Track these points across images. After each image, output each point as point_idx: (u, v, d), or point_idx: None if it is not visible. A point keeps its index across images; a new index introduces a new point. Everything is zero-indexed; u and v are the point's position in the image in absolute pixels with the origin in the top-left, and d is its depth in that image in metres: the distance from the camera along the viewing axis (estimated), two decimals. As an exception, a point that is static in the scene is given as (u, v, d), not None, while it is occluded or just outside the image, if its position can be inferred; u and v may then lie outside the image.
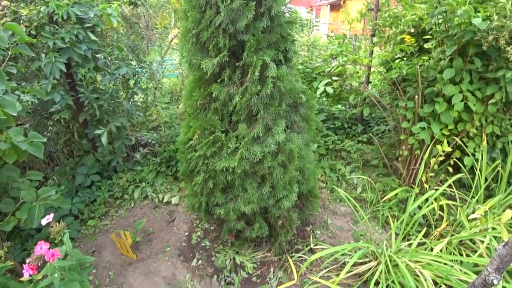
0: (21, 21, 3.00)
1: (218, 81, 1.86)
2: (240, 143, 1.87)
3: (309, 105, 2.14)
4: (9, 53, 2.33)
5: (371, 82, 4.89)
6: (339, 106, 5.03)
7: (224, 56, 1.74)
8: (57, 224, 1.56)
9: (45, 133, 3.90)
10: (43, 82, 2.98)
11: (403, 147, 3.40)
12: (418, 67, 3.00)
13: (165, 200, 3.47)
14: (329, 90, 2.93)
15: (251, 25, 1.75)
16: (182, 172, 2.26)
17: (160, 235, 3.07)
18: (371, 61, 4.35)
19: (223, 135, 1.90)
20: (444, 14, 2.73)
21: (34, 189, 2.51)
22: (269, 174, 1.99)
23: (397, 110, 3.71)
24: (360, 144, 4.53)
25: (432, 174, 3.28)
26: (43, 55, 2.91)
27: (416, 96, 3.11)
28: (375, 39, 3.92)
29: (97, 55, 3.27)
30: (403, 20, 3.53)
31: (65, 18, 2.87)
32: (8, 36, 2.37)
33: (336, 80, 3.01)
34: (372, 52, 4.47)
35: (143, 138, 3.92)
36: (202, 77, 1.93)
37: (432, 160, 3.17)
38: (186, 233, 3.05)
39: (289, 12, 1.89)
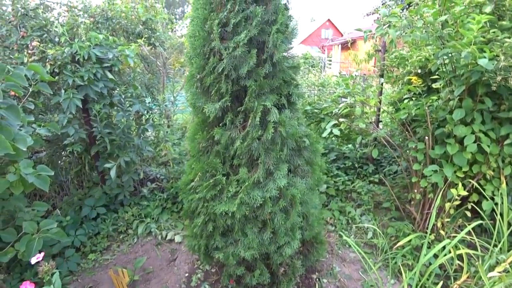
0: (47, 60, 3.20)
1: (221, 125, 1.86)
2: (241, 187, 1.82)
3: (313, 149, 2.10)
4: (30, 89, 2.45)
5: (381, 121, 4.84)
6: (350, 145, 4.96)
7: (226, 101, 1.76)
8: (46, 264, 1.51)
9: (59, 162, 4.00)
10: (60, 115, 3.09)
11: (415, 190, 3.25)
12: (426, 108, 2.94)
13: (168, 238, 3.38)
14: (336, 132, 2.89)
15: (253, 71, 1.78)
16: (184, 212, 2.20)
17: (159, 274, 2.95)
18: (380, 102, 4.34)
19: (224, 178, 1.87)
20: (450, 55, 2.72)
21: (38, 220, 2.51)
22: (270, 219, 1.91)
23: (408, 151, 3.60)
24: (371, 185, 4.38)
25: (448, 220, 3.08)
26: (62, 91, 3.05)
27: (426, 137, 3.02)
28: (383, 79, 3.93)
29: (113, 92, 3.40)
30: (409, 61, 3.55)
31: (86, 58, 3.04)
32: (31, 75, 2.49)
33: (343, 122, 2.97)
34: (381, 92, 4.47)
35: (151, 172, 3.93)
36: (205, 120, 1.94)
37: (447, 205, 3.00)
38: (187, 274, 2.92)
39: (292, 58, 1.91)
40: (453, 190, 2.78)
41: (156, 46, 4.07)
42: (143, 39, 3.73)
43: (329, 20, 40.85)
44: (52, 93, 2.74)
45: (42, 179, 2.05)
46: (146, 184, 3.88)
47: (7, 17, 3.58)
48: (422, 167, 3.10)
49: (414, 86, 2.93)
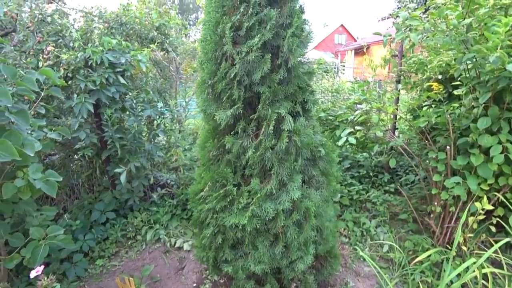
0: (61, 64, 3.21)
1: (232, 133, 1.78)
2: (252, 199, 1.72)
3: (329, 159, 1.98)
4: (42, 94, 2.43)
5: (397, 129, 4.66)
6: (364, 153, 4.79)
7: (238, 108, 1.67)
8: (46, 278, 1.45)
9: (71, 165, 4.01)
10: (72, 120, 3.08)
11: (435, 203, 3.07)
12: (448, 116, 2.78)
13: (177, 245, 3.30)
14: (352, 140, 2.76)
15: (267, 77, 1.69)
16: (193, 222, 2.12)
17: (167, 283, 2.87)
18: (397, 109, 4.18)
19: (235, 189, 1.77)
20: (474, 60, 2.55)
21: (48, 224, 2.48)
22: (282, 233, 1.80)
23: (427, 161, 3.43)
24: (387, 195, 4.20)
25: (471, 235, 2.90)
26: (75, 95, 3.04)
27: (448, 147, 2.85)
28: (400, 86, 3.77)
29: (125, 97, 3.38)
30: (429, 67, 3.39)
31: (98, 62, 3.02)
32: (43, 79, 2.48)
33: (359, 130, 2.84)
34: (397, 99, 4.31)
35: (162, 178, 3.88)
36: (216, 128, 1.86)
37: (471, 219, 2.81)
38: (194, 285, 2.83)
39: (307, 63, 1.81)
40: (477, 204, 2.61)
41: (169, 51, 4.05)
42: (155, 44, 3.71)
43: (342, 25, 40.61)
44: (64, 97, 2.72)
45: (50, 185, 2.00)
46: (156, 190, 3.82)
47: (25, 23, 3.62)
48: (443, 178, 2.92)
49: (435, 93, 2.78)
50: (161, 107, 3.96)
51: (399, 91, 4.27)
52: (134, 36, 4.41)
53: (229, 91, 1.67)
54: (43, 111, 2.28)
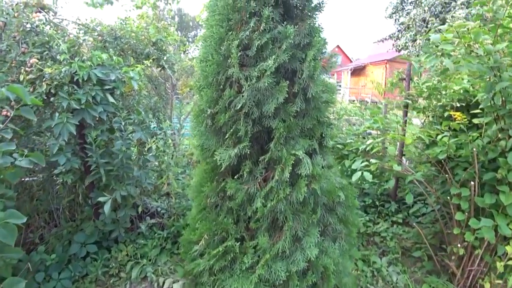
0: (44, 79, 2.86)
1: (236, 177, 1.43)
2: (259, 257, 1.36)
3: (349, 204, 1.64)
4: (11, 114, 2.07)
5: (404, 155, 4.36)
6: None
7: (245, 148, 1.34)
8: None
9: (51, 188, 3.59)
10: (51, 142, 2.70)
11: (458, 244, 2.71)
12: (474, 149, 2.47)
13: (165, 286, 2.87)
14: (368, 176, 2.44)
15: (281, 108, 1.36)
16: (185, 273, 1.72)
17: (151, 336, 2.43)
18: (404, 135, 3.90)
19: (238, 244, 1.41)
20: (503, 89, 2.27)
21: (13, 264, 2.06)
22: (295, 299, 1.42)
23: (443, 194, 3.10)
24: (395, 227, 3.84)
25: (500, 281, 2.54)
26: (56, 114, 2.69)
27: (472, 182, 2.53)
28: (414, 112, 3.49)
29: (115, 117, 3.03)
30: (444, 93, 3.13)
31: (85, 79, 2.69)
32: (14, 98, 2.11)
33: (374, 162, 2.52)
34: (405, 122, 4.03)
35: (151, 205, 3.48)
36: (215, 168, 1.51)
37: (499, 264, 2.47)
38: (183, 339, 2.39)
39: (329, 91, 1.49)
40: (508, 248, 2.27)
41: (166, 68, 3.74)
42: (150, 60, 3.40)
43: (338, 46, 41.26)
44: (36, 119, 2.36)
45: (9, 230, 1.61)
46: (145, 219, 3.41)
47: (11, 32, 3.29)
48: (466, 217, 2.59)
49: (458, 123, 2.48)
50: (154, 127, 3.61)
51: (406, 115, 4.01)
52: (130, 51, 4.10)
53: (234, 126, 1.34)
54: (9, 135, 1.91)
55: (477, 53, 1.81)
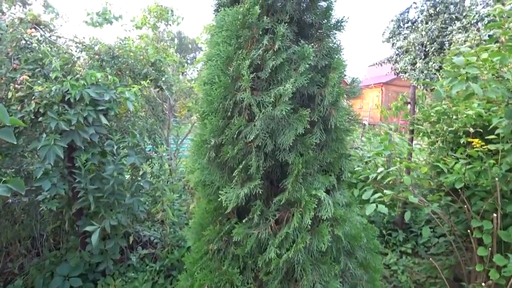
0: (33, 97, 2.65)
1: (244, 220, 1.19)
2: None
3: (370, 246, 1.39)
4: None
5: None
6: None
7: (256, 187, 1.11)
8: None
9: (35, 213, 3.28)
10: (36, 165, 2.45)
11: (482, 282, 2.44)
12: (497, 179, 2.26)
13: (155, 329, 2.53)
14: (383, 209, 2.20)
15: (298, 139, 1.15)
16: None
17: None
18: (409, 159, 3.71)
19: (245, 301, 1.15)
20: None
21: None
22: None
23: (459, 225, 2.87)
24: (404, 258, 3.57)
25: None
26: (44, 135, 2.46)
27: (495, 214, 2.31)
28: (418, 138, 3.31)
29: (108, 139, 2.80)
30: (455, 117, 2.96)
31: (77, 98, 2.48)
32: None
33: (388, 194, 2.29)
34: (410, 145, 3.86)
35: (144, 234, 3.18)
36: (219, 208, 1.28)
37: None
38: None
39: (352, 119, 1.29)
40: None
41: (164, 89, 3.56)
42: (147, 81, 3.22)
43: (332, 69, 41.91)
44: (15, 142, 2.12)
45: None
46: (136, 249, 3.11)
47: (4, 48, 3.11)
48: (489, 252, 2.34)
49: (477, 150, 2.29)
50: (149, 150, 3.37)
51: (412, 141, 3.84)
52: (127, 71, 3.93)
53: (244, 160, 1.12)
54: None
55: (503, 77, 1.64)
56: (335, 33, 1.30)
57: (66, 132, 2.44)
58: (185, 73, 7.91)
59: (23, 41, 3.06)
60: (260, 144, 1.13)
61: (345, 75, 1.25)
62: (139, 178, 2.79)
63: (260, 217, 1.17)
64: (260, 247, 1.16)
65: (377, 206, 2.19)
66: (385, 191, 2.30)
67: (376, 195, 2.28)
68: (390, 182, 2.78)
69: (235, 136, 1.16)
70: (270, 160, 1.18)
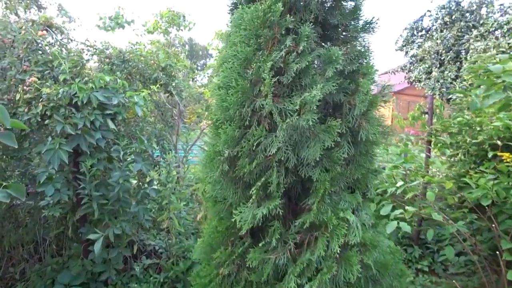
0: (41, 100, 2.58)
1: (260, 244, 1.04)
2: None
3: (397, 272, 1.23)
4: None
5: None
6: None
7: (276, 207, 0.96)
8: None
9: (40, 217, 3.19)
10: (40, 169, 2.35)
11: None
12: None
13: None
14: (406, 227, 2.03)
15: (324, 154, 1.00)
16: None
17: None
18: (427, 171, 3.52)
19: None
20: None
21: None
22: None
23: (483, 244, 2.66)
24: (421, 276, 3.35)
25: None
26: (49, 139, 2.37)
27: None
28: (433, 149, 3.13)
29: (115, 144, 2.70)
30: (479, 129, 2.78)
31: (85, 102, 2.39)
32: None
33: (411, 210, 2.12)
34: (428, 156, 3.66)
35: (149, 243, 3.05)
36: (231, 228, 1.13)
37: None
38: None
39: (383, 131, 1.14)
40: None
41: (173, 94, 3.46)
42: (157, 85, 3.13)
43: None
44: (16, 145, 2.03)
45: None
46: (140, 259, 2.97)
47: (16, 49, 3.07)
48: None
49: (507, 165, 2.10)
50: (157, 156, 3.26)
51: (430, 153, 3.65)
52: (138, 75, 3.87)
53: (263, 177, 0.98)
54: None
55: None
56: (364, 36, 1.16)
57: (72, 136, 2.35)
58: (195, 79, 7.86)
59: (34, 43, 3.01)
60: (282, 158, 0.99)
61: (375, 81, 1.11)
62: (146, 185, 2.67)
63: (278, 240, 1.02)
64: (277, 273, 1.01)
65: (398, 223, 2.01)
66: (406, 207, 2.12)
67: (397, 212, 2.10)
68: (407, 197, 2.60)
69: (253, 147, 1.02)
70: (291, 175, 1.04)
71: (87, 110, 2.44)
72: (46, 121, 2.49)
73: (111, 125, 2.48)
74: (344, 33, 1.17)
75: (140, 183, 2.76)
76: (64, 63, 2.55)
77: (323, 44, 1.11)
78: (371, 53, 1.14)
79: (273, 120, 1.01)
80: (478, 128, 2.74)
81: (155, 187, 2.86)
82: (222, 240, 1.14)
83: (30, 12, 4.64)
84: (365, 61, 1.11)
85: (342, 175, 1.06)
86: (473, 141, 2.72)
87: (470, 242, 2.69)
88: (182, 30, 4.70)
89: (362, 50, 1.14)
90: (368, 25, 1.16)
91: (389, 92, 1.13)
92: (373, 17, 1.14)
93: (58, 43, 3.14)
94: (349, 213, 1.00)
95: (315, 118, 0.96)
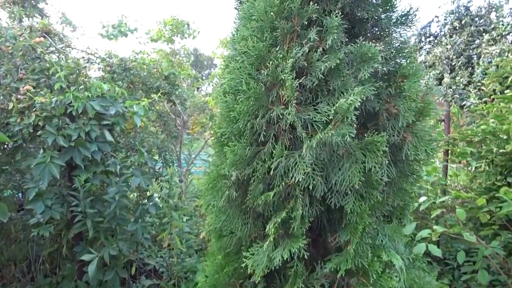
0: (34, 109, 2.40)
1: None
2: None
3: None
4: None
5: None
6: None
7: (300, 249, 0.73)
8: None
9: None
10: (29, 185, 2.14)
11: None
12: None
13: None
14: (436, 250, 1.77)
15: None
16: None
17: None
18: (445, 185, 3.25)
19: None
20: None
21: None
22: None
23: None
24: (441, 297, 3.04)
25: None
26: (41, 151, 2.17)
27: None
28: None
29: (113, 156, 2.49)
30: (505, 137, 2.52)
31: (80, 111, 2.19)
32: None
33: (439, 230, 1.86)
34: (446, 172, 3.40)
35: (149, 262, 2.80)
36: (239, 269, 0.89)
37: None
38: None
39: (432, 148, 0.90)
40: None
41: (177, 104, 3.27)
42: (159, 94, 2.94)
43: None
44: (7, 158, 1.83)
45: None
46: (140, 280, 2.72)
47: (13, 57, 2.92)
48: None
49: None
50: (159, 168, 3.04)
51: (448, 163, 3.39)
52: (140, 84, 3.69)
53: (284, 210, 0.75)
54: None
55: None
56: (400, 30, 0.95)
57: (65, 148, 2.14)
58: (200, 89, 7.70)
59: (32, 51, 2.85)
60: (308, 184, 0.76)
61: (419, 85, 0.88)
62: (145, 201, 2.44)
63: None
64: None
65: (427, 245, 1.76)
66: (434, 227, 1.86)
67: (425, 233, 1.84)
68: (431, 213, 2.34)
69: (267, 170, 0.79)
70: (317, 205, 0.81)
71: (82, 120, 2.24)
72: (39, 132, 2.29)
73: (108, 136, 2.27)
74: (375, 28, 0.95)
75: (139, 199, 2.53)
76: (60, 71, 2.36)
77: (351, 40, 0.90)
78: (411, 52, 0.92)
79: (294, 134, 0.78)
80: (505, 137, 2.49)
81: (156, 202, 2.63)
82: (228, 280, 0.90)
83: (33, 20, 4.54)
84: (404, 61, 0.89)
85: (381, 203, 0.82)
86: (500, 150, 2.46)
87: (498, 260, 2.40)
88: (186, 38, 4.54)
89: (400, 47, 0.92)
90: (404, 17, 0.94)
91: (432, 94, 0.90)
92: (411, 7, 0.92)
93: (55, 50, 2.98)
94: (394, 255, 0.77)
95: (353, 132, 0.73)
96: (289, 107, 0.76)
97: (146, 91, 3.67)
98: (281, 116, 0.80)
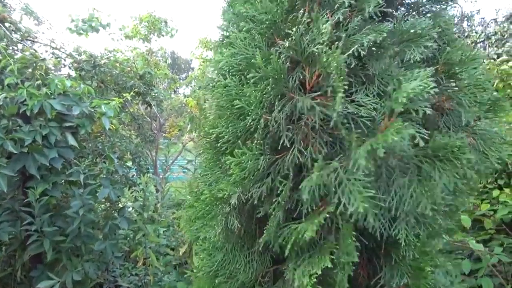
0: (-18, 110, 1.98)
1: None
2: None
3: None
4: None
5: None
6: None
7: None
8: None
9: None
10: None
11: None
12: None
13: None
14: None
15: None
16: None
17: None
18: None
19: None
20: None
21: None
22: None
23: None
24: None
25: None
26: (-13, 160, 1.77)
27: None
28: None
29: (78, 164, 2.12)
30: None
31: (36, 111, 1.83)
32: None
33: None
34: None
35: (121, 284, 2.44)
36: None
37: None
38: None
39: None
40: None
41: (153, 106, 2.94)
42: (132, 93, 2.61)
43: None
44: None
45: None
46: (110, 304, 2.35)
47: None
48: None
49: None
50: (133, 176, 2.69)
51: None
52: (112, 83, 3.31)
53: (322, 252, 0.49)
54: None
55: None
56: (442, 5, 0.74)
57: (15, 155, 1.76)
58: (177, 92, 7.31)
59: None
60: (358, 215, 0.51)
61: (482, 74, 0.67)
62: (116, 215, 2.09)
63: None
64: None
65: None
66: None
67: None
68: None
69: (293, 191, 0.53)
70: (360, 237, 0.56)
71: (39, 122, 1.87)
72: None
73: (71, 140, 1.91)
74: (409, 3, 0.74)
75: (108, 211, 2.18)
76: (12, 64, 1.98)
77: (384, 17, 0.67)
78: (460, 32, 0.72)
79: (326, 137, 0.53)
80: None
81: (130, 210, 2.29)
82: None
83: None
84: (454, 44, 0.68)
85: (440, 228, 0.60)
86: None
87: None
88: (163, 35, 4.21)
89: (445, 26, 0.71)
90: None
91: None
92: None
93: (11, 41, 2.56)
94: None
95: (422, 133, 0.50)
96: (336, 98, 0.50)
97: (118, 91, 3.30)
98: (309, 108, 0.54)
